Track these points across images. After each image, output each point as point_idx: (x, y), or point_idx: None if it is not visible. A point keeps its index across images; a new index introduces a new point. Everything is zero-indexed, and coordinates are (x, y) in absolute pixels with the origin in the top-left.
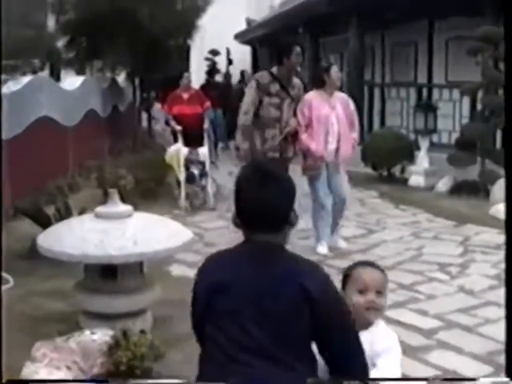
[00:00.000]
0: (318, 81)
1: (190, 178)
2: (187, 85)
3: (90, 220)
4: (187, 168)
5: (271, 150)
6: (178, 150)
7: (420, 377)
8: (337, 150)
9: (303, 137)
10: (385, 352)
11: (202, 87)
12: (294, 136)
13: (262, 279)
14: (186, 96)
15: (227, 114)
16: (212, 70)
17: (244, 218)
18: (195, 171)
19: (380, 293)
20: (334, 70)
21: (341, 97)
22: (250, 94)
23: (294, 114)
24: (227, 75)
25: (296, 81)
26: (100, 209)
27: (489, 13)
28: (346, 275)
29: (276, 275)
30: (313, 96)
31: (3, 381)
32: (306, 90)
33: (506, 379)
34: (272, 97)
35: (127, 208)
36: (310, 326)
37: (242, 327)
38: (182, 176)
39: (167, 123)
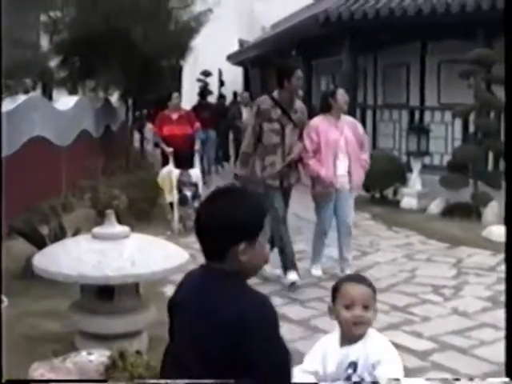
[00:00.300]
0: (324, 105)
1: (183, 200)
2: (177, 105)
3: (86, 241)
4: (180, 190)
5: (271, 178)
6: (169, 172)
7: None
8: (348, 174)
9: (311, 162)
10: (382, 362)
11: (194, 108)
12: (298, 162)
13: (201, 304)
14: (175, 116)
15: (219, 135)
16: (204, 91)
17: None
18: (188, 193)
19: (367, 307)
20: (341, 94)
21: (348, 120)
22: (250, 120)
23: (299, 138)
24: (221, 96)
25: (299, 104)
26: (97, 229)
27: (481, 36)
28: (335, 290)
29: (214, 302)
30: (320, 121)
31: (3, 381)
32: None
33: (506, 379)
34: (273, 122)
35: (124, 229)
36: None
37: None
38: (174, 198)
39: (156, 145)
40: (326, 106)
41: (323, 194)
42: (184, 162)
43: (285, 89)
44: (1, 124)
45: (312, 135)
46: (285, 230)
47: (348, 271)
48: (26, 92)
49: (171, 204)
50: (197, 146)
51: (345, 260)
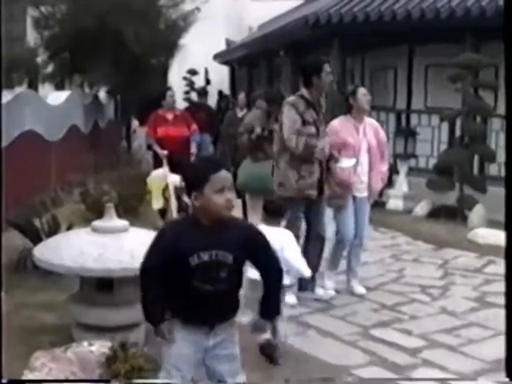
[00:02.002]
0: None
1: (184, 208)
2: (171, 104)
3: (87, 234)
4: (178, 197)
5: (309, 188)
6: (164, 177)
7: (420, 378)
8: (368, 182)
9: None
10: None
11: (188, 109)
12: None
13: None
14: (170, 117)
15: (218, 140)
16: (201, 91)
17: None
18: (188, 200)
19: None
20: (362, 93)
21: (371, 123)
22: (292, 122)
23: None
24: (221, 97)
25: (323, 103)
26: (97, 223)
27: (469, 40)
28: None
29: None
30: (339, 123)
31: (3, 381)
32: None
33: (506, 379)
34: (309, 125)
35: (123, 223)
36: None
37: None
38: (172, 205)
39: (149, 147)
40: (346, 107)
41: (339, 195)
42: (179, 167)
43: (314, 87)
44: (1, 118)
45: (331, 138)
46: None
47: (355, 282)
48: (11, 87)
49: (162, 211)
50: (193, 149)
51: (353, 271)
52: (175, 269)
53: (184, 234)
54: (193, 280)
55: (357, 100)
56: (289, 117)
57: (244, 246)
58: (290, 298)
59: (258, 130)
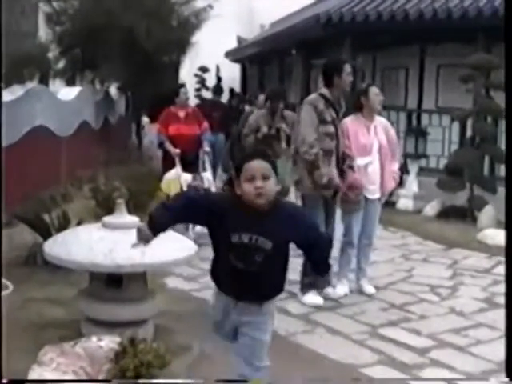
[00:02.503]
0: (355, 104)
1: None
2: (184, 102)
3: (97, 229)
4: None
5: (326, 188)
6: (178, 177)
7: (429, 378)
8: (380, 182)
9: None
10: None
11: (200, 106)
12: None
13: None
14: (182, 114)
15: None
16: (216, 88)
17: None
18: None
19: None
20: (374, 92)
21: (382, 122)
22: (310, 121)
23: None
24: (232, 95)
25: (342, 103)
26: (107, 219)
27: (481, 41)
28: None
29: None
30: (350, 122)
31: (3, 381)
32: None
33: (506, 379)
34: (327, 125)
35: (134, 219)
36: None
37: None
38: None
39: (161, 145)
40: (357, 105)
41: (353, 201)
42: (190, 166)
43: (335, 87)
44: (1, 115)
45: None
46: None
47: (364, 281)
48: (21, 82)
49: None
50: (207, 148)
51: (362, 270)
52: (218, 238)
53: (231, 212)
54: (230, 254)
55: (369, 99)
56: (306, 116)
57: (287, 232)
58: (315, 299)
59: (264, 129)
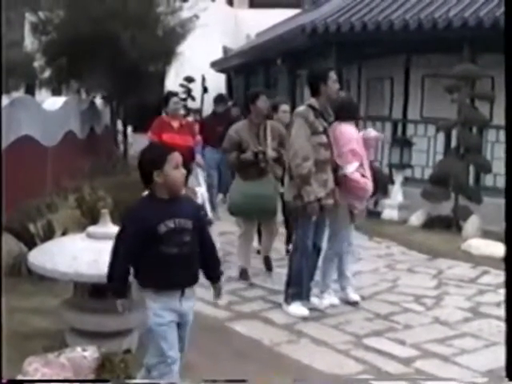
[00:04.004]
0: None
1: None
2: (176, 111)
3: (81, 239)
4: None
5: (326, 198)
6: None
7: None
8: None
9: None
10: None
11: (207, 119)
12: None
13: None
14: (175, 125)
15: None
16: (219, 98)
17: None
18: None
19: None
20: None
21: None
22: (302, 134)
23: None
24: (234, 104)
25: (330, 111)
26: (92, 229)
27: (466, 51)
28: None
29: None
30: (345, 129)
31: (3, 381)
32: None
33: (506, 379)
34: (319, 135)
35: (118, 229)
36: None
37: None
38: None
39: None
40: (343, 114)
41: (361, 210)
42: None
43: (322, 95)
44: (0, 119)
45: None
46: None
47: (350, 289)
48: (7, 92)
49: None
50: (200, 160)
51: (347, 278)
52: (144, 239)
53: (149, 209)
54: (161, 246)
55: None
56: (297, 129)
57: (195, 217)
58: (300, 309)
59: (252, 150)
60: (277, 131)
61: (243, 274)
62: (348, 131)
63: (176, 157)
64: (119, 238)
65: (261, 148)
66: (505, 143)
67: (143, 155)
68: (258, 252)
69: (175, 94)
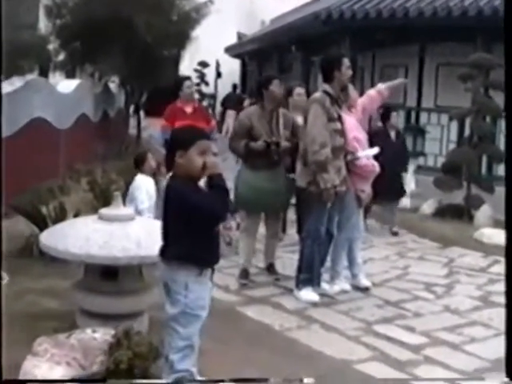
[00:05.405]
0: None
1: None
2: (190, 96)
3: (93, 221)
4: None
5: (340, 185)
6: None
7: (422, 378)
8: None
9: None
10: None
11: (223, 103)
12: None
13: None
14: (189, 110)
15: None
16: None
17: None
18: None
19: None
20: (351, 89)
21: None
22: (320, 120)
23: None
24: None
25: (343, 97)
26: (104, 211)
27: (480, 40)
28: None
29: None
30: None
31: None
32: None
33: (506, 379)
34: (335, 122)
35: (129, 211)
36: None
37: None
38: None
39: (167, 143)
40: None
41: (366, 191)
42: None
43: (335, 81)
44: (1, 106)
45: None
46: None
47: (361, 275)
48: (22, 74)
49: None
50: (214, 149)
51: (358, 264)
52: (196, 220)
53: (194, 190)
54: (207, 226)
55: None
56: (315, 115)
57: None
58: (311, 295)
59: (264, 139)
60: (289, 120)
61: (243, 274)
62: (347, 119)
63: (205, 144)
64: (170, 218)
65: (274, 138)
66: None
67: (174, 134)
68: None
69: (188, 78)
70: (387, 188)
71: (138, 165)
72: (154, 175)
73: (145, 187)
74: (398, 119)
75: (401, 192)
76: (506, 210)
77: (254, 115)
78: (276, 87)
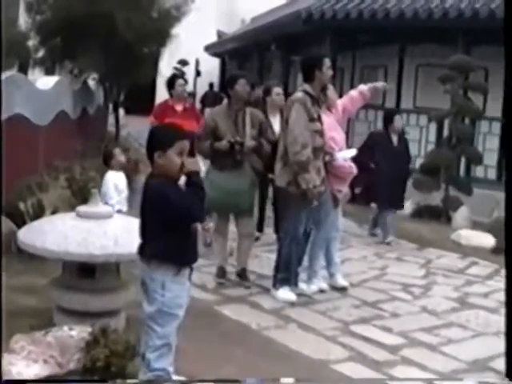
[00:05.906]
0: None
1: None
2: (181, 94)
3: (71, 219)
4: None
5: (320, 185)
6: None
7: (418, 377)
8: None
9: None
10: None
11: (202, 101)
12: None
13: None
14: (179, 108)
15: None
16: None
17: None
18: None
19: None
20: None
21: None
22: (301, 121)
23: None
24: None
25: (323, 98)
26: (81, 208)
27: (460, 42)
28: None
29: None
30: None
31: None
32: None
33: (506, 379)
34: (315, 122)
35: (108, 209)
36: None
37: None
38: None
39: None
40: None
41: (342, 191)
42: None
43: (316, 81)
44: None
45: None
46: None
47: (338, 275)
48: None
49: None
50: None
51: (335, 264)
52: (174, 218)
53: (173, 190)
54: (184, 224)
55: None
56: (297, 115)
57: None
58: (288, 295)
59: (228, 139)
60: (257, 119)
61: (220, 273)
62: (326, 119)
63: (183, 144)
64: (149, 217)
65: (238, 138)
66: (505, 136)
67: (153, 133)
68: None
69: (181, 76)
70: (389, 194)
71: (106, 161)
72: (127, 171)
73: (112, 182)
74: (401, 123)
75: (402, 200)
76: (506, 210)
77: (220, 115)
78: (241, 87)
